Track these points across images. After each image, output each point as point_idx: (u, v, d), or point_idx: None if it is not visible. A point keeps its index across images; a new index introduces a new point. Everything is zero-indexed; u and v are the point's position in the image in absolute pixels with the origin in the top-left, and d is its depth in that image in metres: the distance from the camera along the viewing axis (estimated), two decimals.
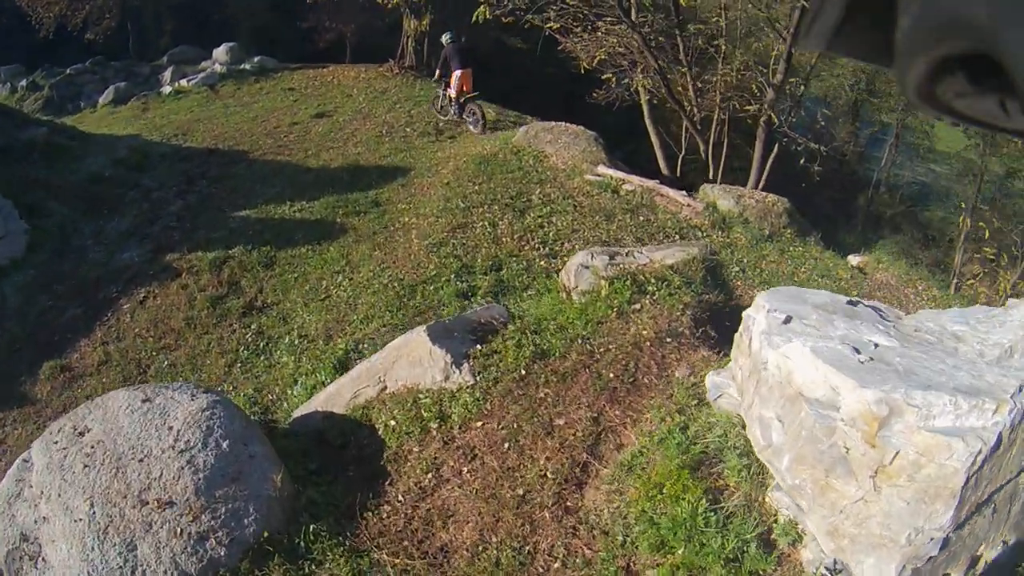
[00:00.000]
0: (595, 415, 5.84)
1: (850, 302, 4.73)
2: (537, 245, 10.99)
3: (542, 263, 10.47)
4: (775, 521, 4.47)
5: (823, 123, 21.16)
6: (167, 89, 22.48)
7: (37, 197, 13.15)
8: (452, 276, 10.04)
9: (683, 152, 20.54)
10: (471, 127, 17.25)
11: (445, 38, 17.15)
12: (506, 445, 5.69)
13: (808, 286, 11.75)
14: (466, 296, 9.61)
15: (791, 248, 13.02)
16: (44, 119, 18.93)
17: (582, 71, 17.88)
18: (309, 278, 10.95)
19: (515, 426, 5.83)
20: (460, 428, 5.97)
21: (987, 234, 17.99)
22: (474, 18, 15.45)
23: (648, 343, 6.68)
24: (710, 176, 18.09)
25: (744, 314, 4.89)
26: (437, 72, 17.66)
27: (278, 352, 9.53)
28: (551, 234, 11.31)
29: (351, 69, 22.61)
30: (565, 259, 10.57)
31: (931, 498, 3.52)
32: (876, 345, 4.02)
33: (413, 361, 6.64)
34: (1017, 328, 4.25)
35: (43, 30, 24.30)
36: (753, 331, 4.56)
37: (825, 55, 18.42)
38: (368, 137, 16.71)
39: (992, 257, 18.97)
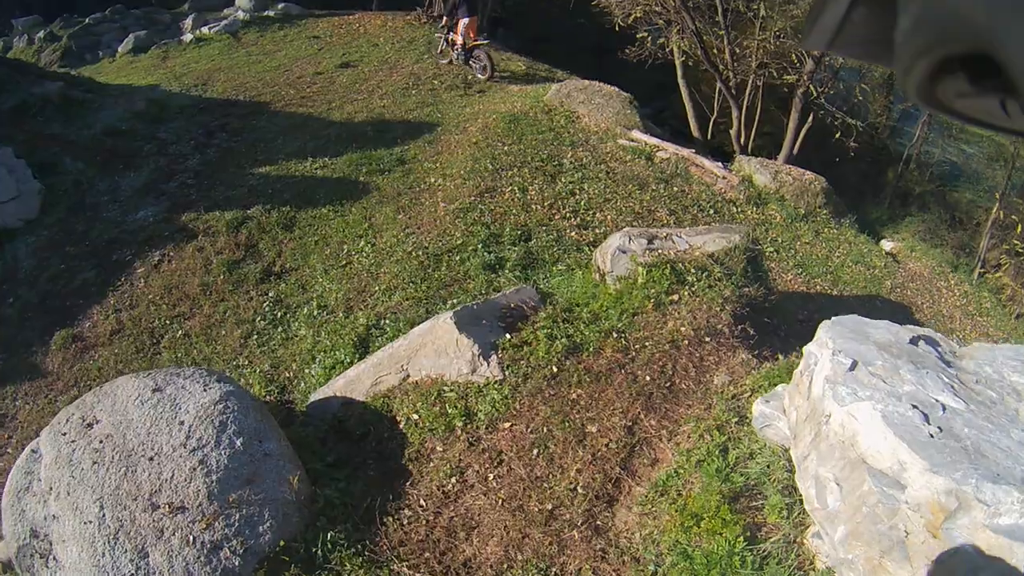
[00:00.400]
0: (629, 424, 5.55)
1: (912, 340, 4.37)
2: (568, 214, 10.64)
3: (573, 234, 10.13)
4: (812, 567, 4.19)
5: (861, 97, 20.61)
6: (188, 37, 21.98)
7: (51, 154, 12.86)
8: (479, 245, 9.65)
9: (715, 115, 20.20)
10: (478, 74, 17.20)
11: None
12: (535, 451, 5.41)
13: (842, 272, 11.51)
14: (493, 269, 9.26)
15: (826, 230, 12.76)
16: (60, 71, 18.76)
17: (616, 28, 17.50)
18: (330, 242, 10.58)
19: (545, 430, 5.55)
20: (487, 428, 5.69)
21: (1019, 228, 17.64)
22: None
23: (686, 342, 6.37)
24: (741, 141, 17.71)
25: (805, 350, 4.51)
26: (444, 20, 17.60)
27: (296, 324, 9.18)
28: (583, 202, 10.96)
29: (377, 17, 22.14)
30: (597, 230, 10.28)
31: None
32: (944, 408, 3.69)
33: (438, 350, 6.34)
34: None
35: None
36: (815, 373, 4.19)
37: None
38: (394, 89, 16.25)
39: (1021, 250, 18.68)
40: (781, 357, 6.34)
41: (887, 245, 14.82)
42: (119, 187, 12.48)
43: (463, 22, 16.90)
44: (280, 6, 22.88)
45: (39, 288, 10.21)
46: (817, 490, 3.94)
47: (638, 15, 16.98)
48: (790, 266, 11.09)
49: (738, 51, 17.59)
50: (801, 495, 4.23)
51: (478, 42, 17.22)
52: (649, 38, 18.09)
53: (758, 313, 7.35)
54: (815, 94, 16.80)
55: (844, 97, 22.14)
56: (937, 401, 3.76)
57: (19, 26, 24.52)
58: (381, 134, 13.87)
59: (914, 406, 3.66)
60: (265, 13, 22.65)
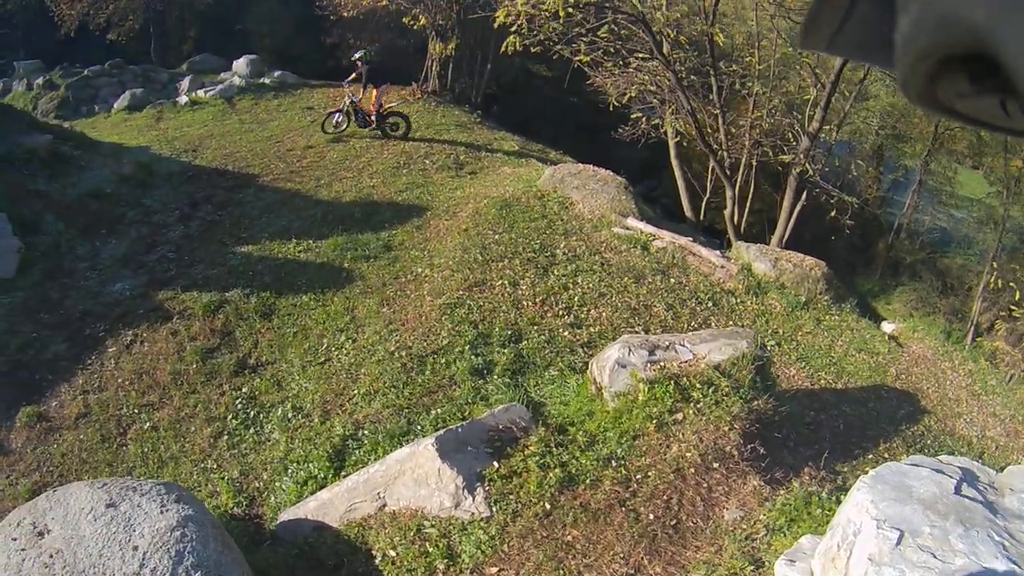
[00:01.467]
0: (632, 572, 5.01)
1: (956, 488, 3.88)
2: (561, 311, 10.17)
3: (566, 334, 9.66)
4: None
5: (855, 173, 20.48)
6: (183, 99, 21.79)
7: (34, 211, 12.44)
8: (466, 347, 9.16)
9: (707, 194, 20.03)
10: (395, 135, 17.79)
11: (364, 57, 17.40)
12: None
13: (846, 363, 11.04)
14: (481, 374, 8.73)
15: (827, 317, 12.31)
16: (52, 123, 18.38)
17: (610, 107, 17.32)
18: (309, 335, 10.09)
19: None
20: (472, 573, 5.14)
21: (1017, 295, 17.38)
22: (503, 48, 15.09)
23: (692, 469, 5.86)
24: (735, 221, 17.42)
25: (840, 518, 3.98)
26: (360, 92, 17.77)
27: (269, 426, 8.63)
28: (576, 298, 10.51)
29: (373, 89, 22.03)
30: (591, 328, 9.83)
31: None
32: None
33: (419, 479, 5.81)
34: None
35: (65, 28, 24.11)
36: (855, 549, 3.64)
37: (859, 99, 17.90)
38: (384, 168, 15.95)
39: (1018, 315, 18.47)
40: (796, 484, 5.85)
41: (888, 327, 14.41)
42: (99, 254, 12.07)
43: (377, 90, 17.44)
44: (276, 74, 22.82)
45: (8, 356, 9.66)
46: None
47: (633, 94, 16.81)
48: (792, 359, 10.62)
49: (733, 130, 17.42)
50: None
51: (392, 107, 18.04)
52: (644, 118, 17.89)
53: (767, 427, 6.84)
54: (810, 172, 16.54)
55: (837, 173, 21.99)
56: (991, 571, 3.27)
57: (20, 69, 24.45)
58: (369, 216, 13.49)
59: None
60: (261, 80, 22.58)
